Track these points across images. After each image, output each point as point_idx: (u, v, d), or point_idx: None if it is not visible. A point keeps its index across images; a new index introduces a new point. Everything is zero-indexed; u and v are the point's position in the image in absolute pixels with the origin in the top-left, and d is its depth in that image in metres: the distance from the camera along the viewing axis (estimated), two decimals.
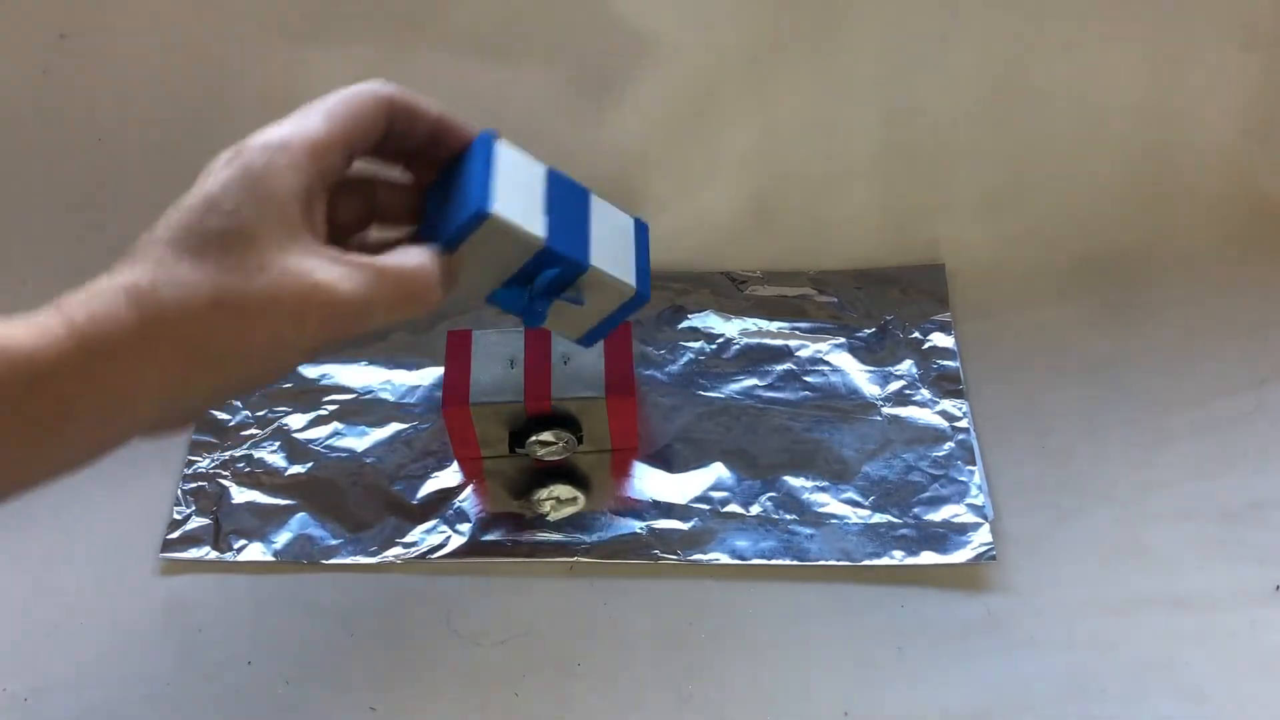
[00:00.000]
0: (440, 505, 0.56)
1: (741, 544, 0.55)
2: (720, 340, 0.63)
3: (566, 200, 0.47)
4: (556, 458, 0.56)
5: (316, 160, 0.41)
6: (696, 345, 0.62)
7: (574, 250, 0.46)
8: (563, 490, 0.57)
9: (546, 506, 0.56)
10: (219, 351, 0.39)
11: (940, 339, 0.62)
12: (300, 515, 0.56)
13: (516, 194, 0.45)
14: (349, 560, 0.55)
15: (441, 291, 0.43)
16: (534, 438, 0.55)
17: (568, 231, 0.46)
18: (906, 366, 0.61)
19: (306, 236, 0.40)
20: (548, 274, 0.46)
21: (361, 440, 0.59)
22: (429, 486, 0.57)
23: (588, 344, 0.52)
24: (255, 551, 0.55)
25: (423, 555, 0.55)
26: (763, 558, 0.54)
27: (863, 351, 0.62)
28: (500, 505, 0.56)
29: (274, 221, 0.39)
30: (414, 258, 0.43)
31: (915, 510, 0.56)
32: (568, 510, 0.56)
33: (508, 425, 0.56)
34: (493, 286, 0.47)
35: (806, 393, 0.60)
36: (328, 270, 0.40)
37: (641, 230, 0.51)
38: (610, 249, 0.48)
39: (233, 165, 0.40)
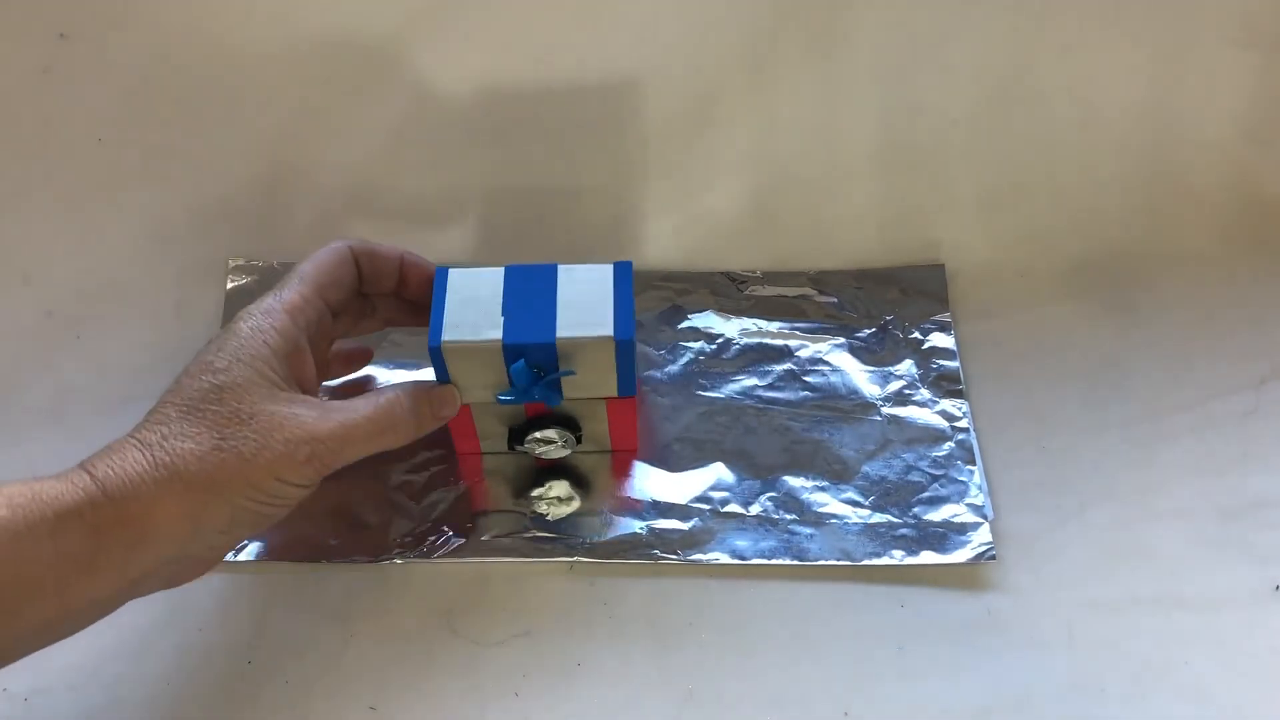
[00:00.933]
0: (440, 505, 0.56)
1: (741, 544, 0.55)
2: (720, 340, 0.63)
3: (528, 288, 0.52)
4: (556, 457, 0.56)
5: (295, 319, 0.49)
6: (696, 345, 0.62)
7: (537, 334, 0.50)
8: (560, 489, 0.57)
9: (544, 506, 0.56)
10: (225, 487, 0.45)
11: (940, 339, 0.62)
12: (300, 515, 0.56)
13: (468, 313, 0.51)
14: (349, 560, 0.55)
15: (415, 422, 0.51)
16: (533, 435, 0.55)
17: (530, 318, 0.51)
18: (906, 366, 0.61)
19: (289, 387, 0.48)
20: (515, 366, 0.51)
21: None
22: (429, 486, 0.57)
23: (624, 393, 0.54)
24: (255, 551, 0.55)
25: (423, 555, 0.55)
26: (763, 558, 0.54)
27: (863, 351, 0.62)
28: (500, 505, 0.56)
29: (260, 376, 0.46)
30: (384, 398, 0.50)
31: (915, 510, 0.56)
32: (565, 510, 0.56)
33: (507, 423, 0.56)
34: (498, 387, 0.52)
35: (806, 393, 0.60)
36: (307, 412, 0.47)
37: (622, 272, 0.53)
38: (580, 311, 0.51)
39: (225, 333, 0.48)
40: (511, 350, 0.50)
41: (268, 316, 0.48)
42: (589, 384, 0.53)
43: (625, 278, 0.52)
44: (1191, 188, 0.67)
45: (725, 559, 0.54)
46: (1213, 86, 0.65)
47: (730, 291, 0.65)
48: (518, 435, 0.55)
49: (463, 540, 0.55)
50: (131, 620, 0.52)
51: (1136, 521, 0.56)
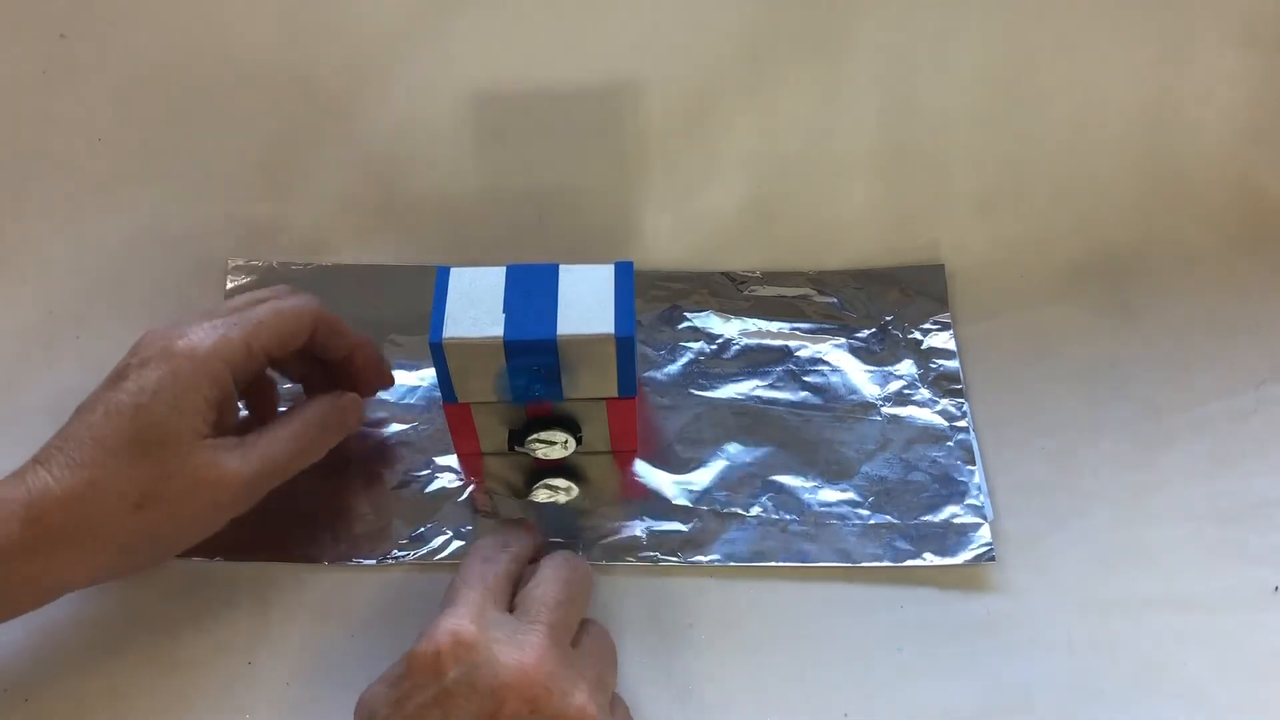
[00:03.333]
0: (441, 506, 0.56)
1: (741, 545, 0.55)
2: (720, 340, 0.63)
3: (529, 287, 0.52)
4: (556, 457, 0.56)
5: (235, 371, 0.48)
6: (696, 345, 0.62)
7: (538, 331, 0.50)
8: (558, 481, 0.57)
9: (542, 495, 0.56)
10: (140, 543, 0.47)
11: (940, 339, 0.62)
12: (301, 516, 0.56)
13: (468, 310, 0.51)
14: (350, 561, 0.55)
15: (328, 437, 0.53)
16: (533, 437, 0.55)
17: (531, 316, 0.51)
18: (906, 367, 0.61)
19: (214, 434, 0.48)
20: (530, 359, 0.51)
21: (362, 440, 0.59)
22: (430, 487, 0.57)
23: (625, 394, 0.54)
24: (255, 552, 0.55)
25: (424, 556, 0.55)
26: (762, 559, 0.54)
27: (863, 352, 0.62)
28: (500, 506, 0.56)
29: (191, 427, 0.46)
30: (298, 423, 0.51)
31: (915, 511, 0.56)
32: (562, 498, 0.56)
33: (507, 423, 0.56)
34: (498, 385, 0.52)
35: (806, 393, 0.60)
36: (230, 459, 0.48)
37: (623, 272, 0.53)
38: (581, 309, 0.51)
39: (161, 372, 0.47)
40: (512, 347, 0.51)
41: (207, 365, 0.47)
42: (590, 384, 0.53)
43: (626, 277, 0.53)
44: (1192, 188, 0.67)
45: (725, 560, 0.54)
46: (1213, 86, 0.65)
47: (730, 291, 0.65)
48: (518, 436, 0.55)
49: (463, 542, 0.55)
50: (131, 620, 0.53)
51: (1136, 522, 0.56)
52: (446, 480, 0.57)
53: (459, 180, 0.66)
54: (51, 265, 0.64)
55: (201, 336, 0.48)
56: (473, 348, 0.51)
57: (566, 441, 0.55)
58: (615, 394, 0.54)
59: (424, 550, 0.55)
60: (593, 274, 0.53)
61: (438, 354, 0.51)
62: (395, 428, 0.59)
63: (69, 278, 0.64)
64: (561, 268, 0.53)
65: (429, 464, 0.58)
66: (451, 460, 0.58)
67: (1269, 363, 0.61)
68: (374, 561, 0.55)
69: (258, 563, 0.55)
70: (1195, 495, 0.56)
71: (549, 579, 0.47)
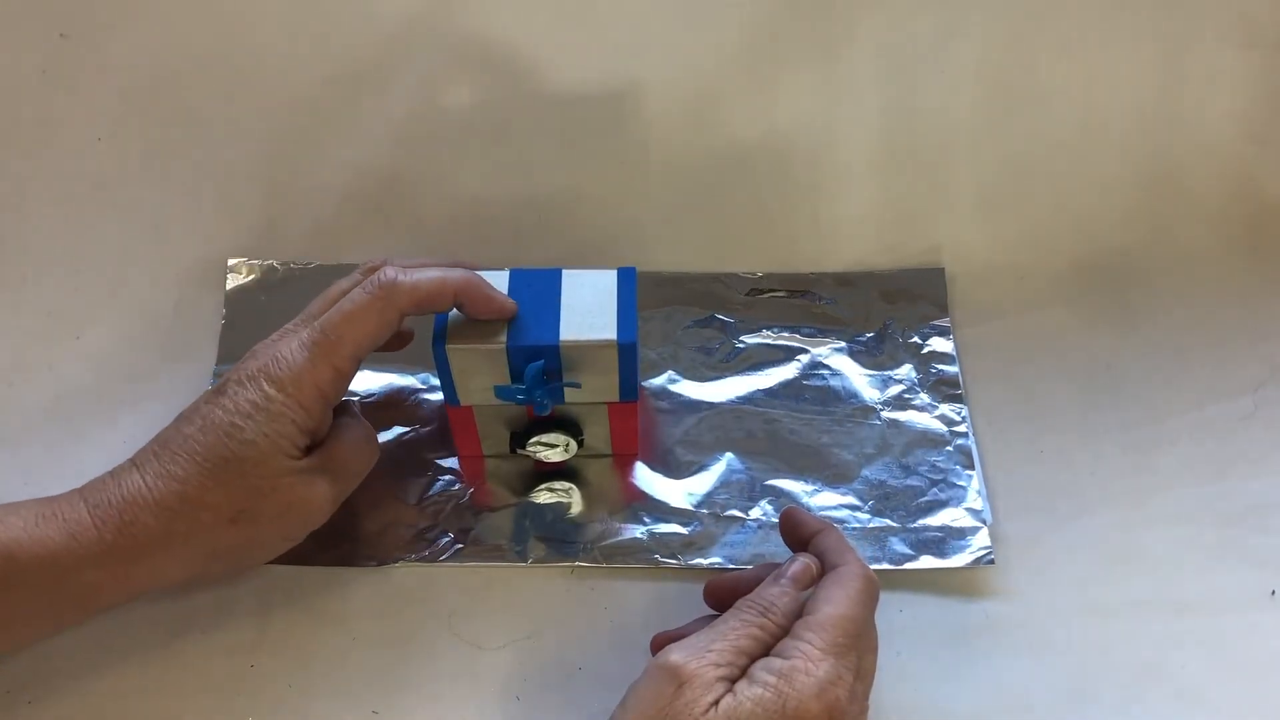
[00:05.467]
0: (442, 508, 0.57)
1: (741, 548, 0.55)
2: (720, 343, 0.63)
3: (532, 292, 0.52)
4: (558, 460, 0.56)
5: (324, 393, 0.48)
6: (696, 348, 0.63)
7: (540, 336, 0.51)
8: (559, 483, 0.57)
9: (543, 496, 0.57)
10: (231, 552, 0.48)
11: (939, 343, 0.62)
12: None
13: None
14: (351, 563, 0.55)
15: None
16: (535, 439, 0.55)
17: (533, 322, 0.51)
18: (906, 370, 0.61)
19: (306, 456, 0.49)
20: (533, 365, 0.51)
21: None
22: (431, 489, 0.57)
23: (626, 398, 0.54)
24: None
25: (425, 558, 0.55)
26: (762, 561, 0.54)
27: (862, 355, 0.62)
28: (502, 507, 0.56)
29: (283, 451, 0.47)
30: (350, 434, 0.52)
31: (914, 514, 0.56)
32: (563, 499, 0.57)
33: (509, 426, 0.56)
34: (502, 390, 0.53)
35: (806, 396, 0.60)
36: (319, 483, 0.49)
37: (626, 277, 0.53)
38: (584, 315, 0.52)
39: (254, 394, 0.47)
40: (515, 353, 0.51)
41: (300, 391, 0.47)
42: (592, 389, 0.53)
43: (629, 283, 0.53)
44: (1192, 189, 0.67)
45: (725, 563, 0.54)
46: (1213, 87, 0.65)
47: (730, 294, 0.65)
48: (519, 439, 0.55)
49: (464, 544, 0.55)
50: (133, 622, 0.53)
51: (1134, 526, 0.56)
52: (448, 482, 0.57)
53: (459, 180, 0.66)
54: (51, 265, 0.64)
55: (292, 359, 0.48)
56: (475, 354, 0.51)
57: (568, 444, 0.55)
58: (617, 398, 0.54)
59: (425, 552, 0.55)
60: (596, 279, 0.53)
61: (440, 359, 0.51)
62: (396, 430, 0.59)
63: (69, 278, 0.64)
64: (565, 273, 0.53)
65: (431, 466, 0.58)
66: (453, 462, 0.58)
67: (1267, 366, 0.61)
68: (376, 564, 0.55)
69: (259, 565, 0.55)
70: (1193, 498, 0.57)
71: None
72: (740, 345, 0.63)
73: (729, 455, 0.58)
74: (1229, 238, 0.67)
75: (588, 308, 0.52)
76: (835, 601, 0.44)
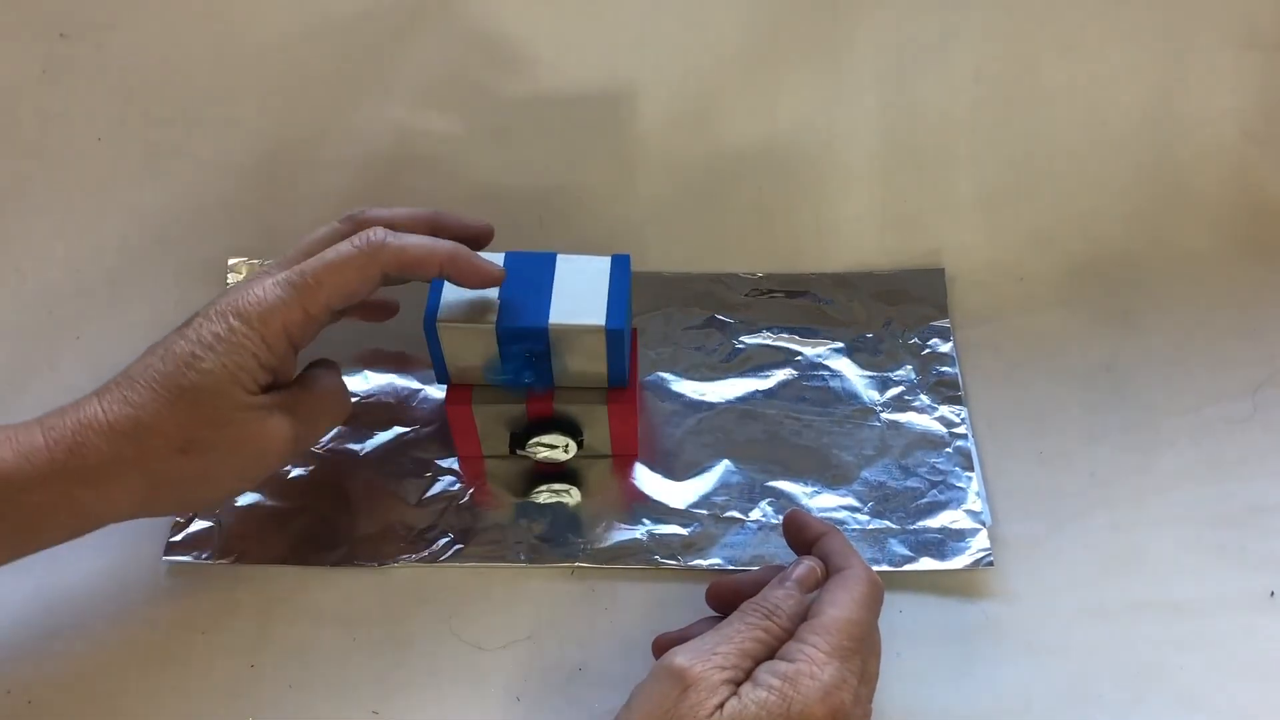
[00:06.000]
0: (442, 508, 0.57)
1: (741, 549, 0.55)
2: (719, 344, 0.63)
3: (526, 275, 0.53)
4: (558, 461, 0.56)
5: (291, 334, 0.48)
6: (696, 348, 0.63)
7: (530, 319, 0.51)
8: (559, 484, 0.57)
9: (543, 496, 0.57)
10: (181, 484, 0.48)
11: (939, 344, 0.62)
12: (303, 518, 0.56)
13: (465, 293, 0.52)
14: (351, 563, 0.55)
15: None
16: (535, 440, 0.55)
17: (523, 304, 0.52)
18: (905, 372, 0.61)
19: (265, 394, 0.48)
20: (514, 348, 0.52)
21: (364, 443, 0.59)
22: (431, 490, 0.57)
23: (615, 383, 0.54)
24: (258, 554, 0.55)
25: (425, 559, 0.55)
26: (762, 563, 0.54)
27: (862, 356, 0.62)
28: (502, 508, 0.57)
29: (241, 384, 0.47)
30: (323, 383, 0.52)
31: (913, 516, 0.56)
32: (564, 500, 0.57)
33: (509, 426, 0.56)
34: (489, 368, 0.53)
35: (806, 397, 0.61)
36: (276, 422, 0.48)
37: (620, 265, 0.54)
38: (574, 300, 0.52)
39: (218, 327, 0.47)
40: (504, 334, 0.51)
41: (265, 326, 0.47)
42: (581, 373, 0.54)
43: (623, 270, 0.53)
44: (1192, 190, 0.67)
45: (725, 564, 0.54)
46: (1214, 87, 0.66)
47: (730, 294, 0.65)
48: (519, 440, 0.56)
49: (465, 544, 0.55)
50: (134, 622, 0.53)
51: (1134, 527, 0.56)
52: (448, 483, 0.57)
53: (459, 180, 0.66)
54: (51, 265, 0.64)
55: (263, 296, 0.48)
56: (465, 332, 0.52)
57: (567, 445, 0.56)
58: (606, 385, 0.54)
59: (425, 553, 0.55)
60: (590, 264, 0.54)
61: (431, 335, 0.52)
62: (396, 430, 0.60)
63: (69, 278, 0.64)
64: (559, 257, 0.54)
65: (430, 467, 0.58)
66: (453, 463, 0.58)
67: (1267, 367, 0.62)
68: (376, 564, 0.55)
69: (260, 565, 0.55)
70: (1193, 500, 0.57)
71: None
72: (740, 346, 0.63)
73: (729, 456, 0.58)
74: (1229, 238, 0.67)
75: (579, 293, 0.52)
76: (840, 605, 0.44)
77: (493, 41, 0.64)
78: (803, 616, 0.45)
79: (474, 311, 0.52)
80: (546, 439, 0.55)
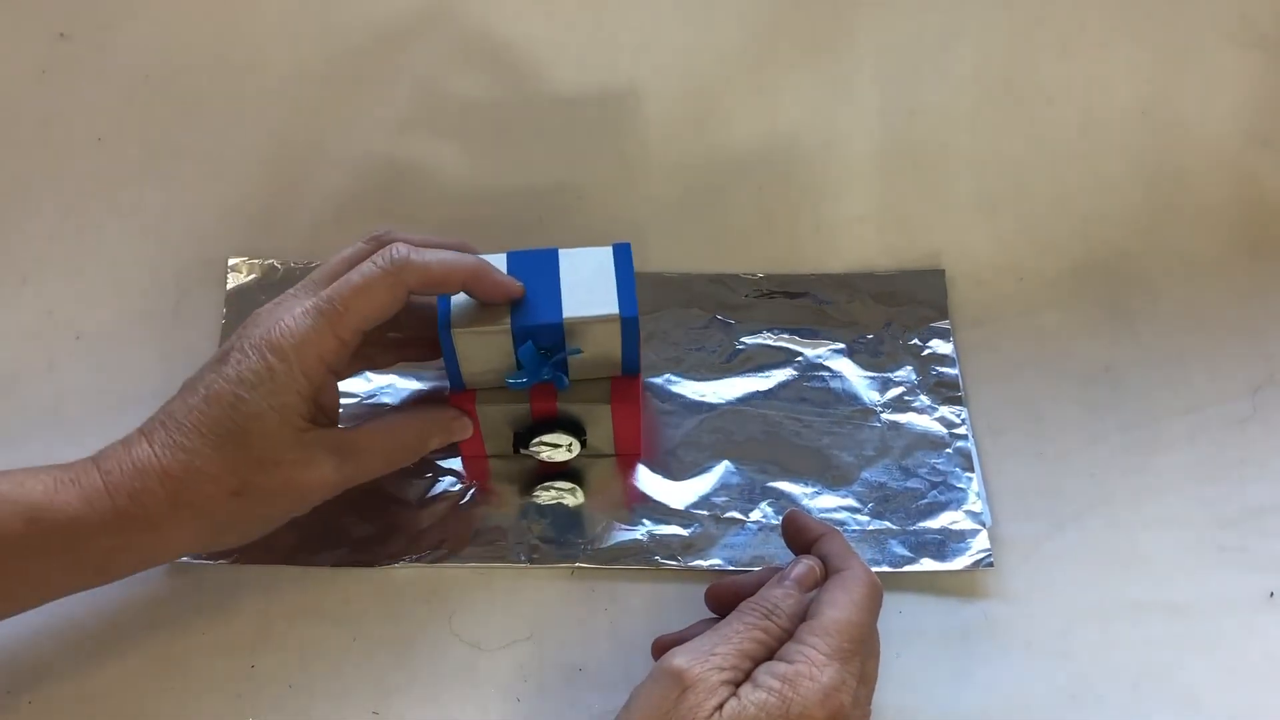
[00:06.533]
0: (444, 509, 0.57)
1: (741, 550, 0.55)
2: (720, 344, 0.63)
3: (531, 271, 0.52)
4: (560, 460, 0.56)
5: (327, 363, 0.48)
6: (697, 349, 0.63)
7: (544, 315, 0.51)
8: (561, 483, 0.57)
9: (545, 495, 0.57)
10: (236, 523, 0.49)
11: (939, 345, 0.62)
12: (303, 518, 0.56)
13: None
14: (351, 563, 0.55)
15: (422, 448, 0.54)
16: (538, 440, 0.55)
17: (535, 300, 0.51)
18: (906, 372, 0.61)
19: (311, 427, 0.49)
20: (525, 347, 0.51)
21: None
22: (433, 490, 0.57)
23: (628, 371, 0.55)
24: (258, 554, 0.55)
25: (425, 558, 0.55)
26: (762, 564, 0.54)
27: (862, 357, 0.62)
28: (503, 508, 0.57)
29: (288, 422, 0.48)
30: (395, 431, 0.53)
31: (914, 517, 0.56)
32: (566, 500, 0.57)
33: (512, 426, 0.56)
34: (505, 372, 0.53)
35: (806, 398, 0.61)
36: (325, 461, 0.49)
37: (622, 253, 0.54)
38: (584, 292, 0.52)
39: (255, 364, 0.47)
40: (521, 333, 0.51)
41: (302, 360, 0.47)
42: (595, 365, 0.54)
43: (625, 258, 0.54)
44: (1192, 190, 0.67)
45: (725, 565, 0.55)
46: (1214, 87, 0.66)
47: (731, 294, 0.65)
48: (523, 439, 0.56)
49: (465, 544, 0.55)
50: (134, 622, 0.53)
51: (1133, 528, 0.56)
52: (449, 484, 0.57)
53: (460, 181, 0.66)
54: (51, 265, 0.64)
55: (295, 326, 0.48)
56: (480, 336, 0.51)
57: (571, 444, 0.56)
58: (619, 372, 0.55)
59: (426, 552, 0.55)
60: (593, 256, 0.54)
61: (446, 343, 0.51)
62: None
63: (69, 278, 0.64)
64: (561, 252, 0.54)
65: (432, 467, 0.58)
66: (454, 463, 0.58)
67: (1266, 368, 0.62)
68: (377, 565, 0.55)
69: (260, 565, 0.55)
70: (1192, 501, 0.57)
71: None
72: (740, 347, 0.63)
73: (729, 457, 0.58)
74: (1229, 238, 0.67)
75: (587, 285, 0.52)
76: (840, 606, 0.44)
77: (494, 42, 0.64)
78: (802, 616, 0.45)
79: (486, 315, 0.51)
80: (550, 438, 0.55)
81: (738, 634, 0.44)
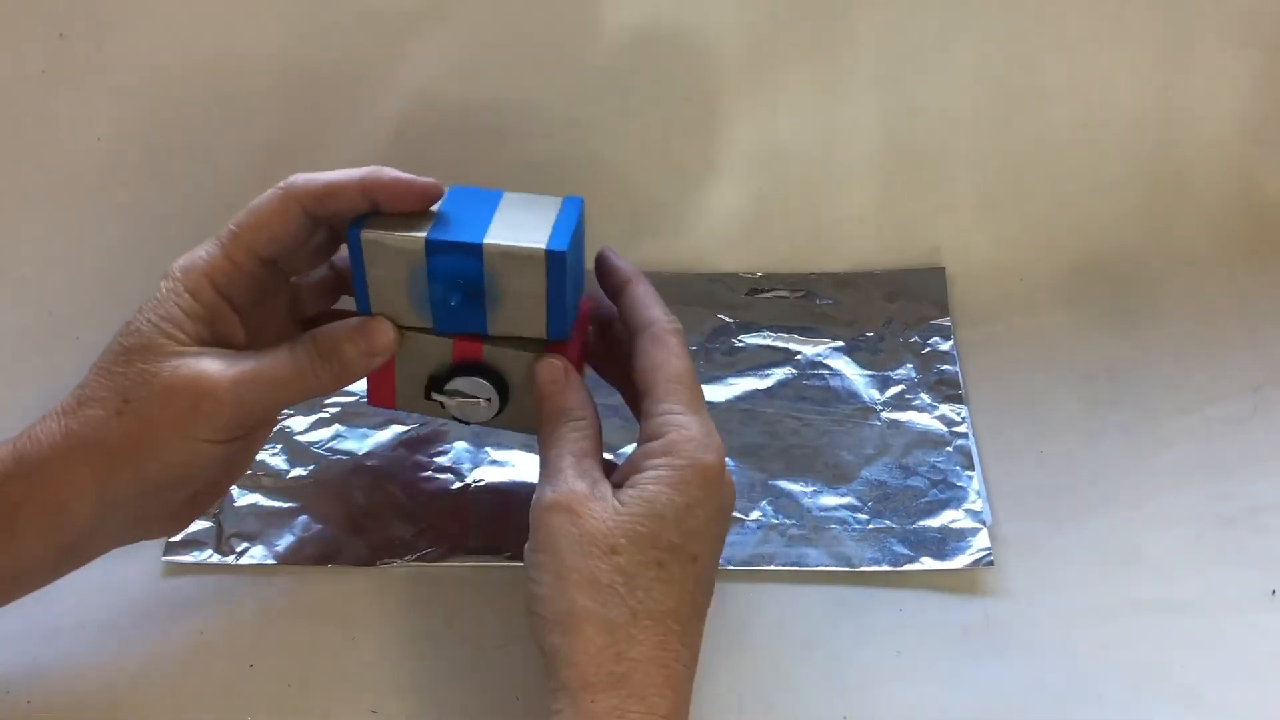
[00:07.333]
0: (441, 507, 0.57)
1: (741, 549, 0.55)
2: (719, 343, 0.63)
3: (466, 205, 0.49)
4: (474, 420, 0.52)
5: (217, 281, 0.47)
6: (696, 348, 0.63)
7: (464, 234, 0.47)
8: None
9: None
10: (127, 450, 0.45)
11: (940, 343, 0.62)
12: (302, 518, 0.56)
13: (398, 215, 0.47)
14: (351, 563, 0.55)
15: (333, 364, 0.48)
16: (452, 385, 0.50)
17: (459, 226, 0.47)
18: (906, 371, 0.61)
19: (200, 346, 0.46)
20: (452, 268, 0.47)
21: (363, 442, 0.59)
22: (430, 488, 0.57)
23: (555, 334, 0.49)
24: (257, 554, 0.55)
25: (425, 558, 0.55)
26: (762, 563, 0.54)
27: (862, 355, 0.62)
28: (501, 506, 0.56)
29: (168, 337, 0.46)
30: (300, 343, 0.48)
31: (914, 516, 0.56)
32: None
33: (428, 366, 0.51)
34: (418, 300, 0.48)
35: (806, 396, 0.61)
36: (212, 365, 0.45)
37: (570, 204, 0.49)
38: (515, 227, 0.47)
39: (152, 293, 0.47)
40: (434, 247, 0.47)
41: (187, 277, 0.47)
42: (516, 318, 0.48)
43: (573, 208, 0.49)
44: (1192, 190, 0.67)
45: (724, 564, 0.54)
46: (1213, 87, 0.66)
47: (729, 294, 0.65)
48: (438, 382, 0.50)
49: (465, 543, 0.55)
50: (133, 622, 0.53)
51: (1134, 527, 0.56)
52: (448, 482, 0.57)
53: (460, 181, 0.66)
54: (51, 265, 0.64)
55: (190, 254, 0.48)
56: (392, 247, 0.47)
57: (490, 400, 0.50)
58: (544, 334, 0.49)
59: (425, 552, 0.55)
60: (538, 202, 0.49)
61: (355, 249, 0.47)
62: (396, 430, 0.60)
63: (69, 278, 0.64)
64: (507, 194, 0.49)
65: (429, 466, 0.58)
66: (453, 462, 0.58)
67: (1266, 368, 0.62)
68: (376, 564, 0.55)
69: (260, 565, 0.55)
70: (1193, 500, 0.57)
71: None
72: (740, 345, 0.63)
73: (728, 456, 0.58)
74: (1229, 238, 0.67)
75: (520, 222, 0.48)
76: (664, 364, 0.46)
77: (492, 43, 0.64)
78: (587, 395, 0.48)
79: (403, 226, 0.47)
80: (465, 385, 0.50)
81: (558, 446, 0.46)
